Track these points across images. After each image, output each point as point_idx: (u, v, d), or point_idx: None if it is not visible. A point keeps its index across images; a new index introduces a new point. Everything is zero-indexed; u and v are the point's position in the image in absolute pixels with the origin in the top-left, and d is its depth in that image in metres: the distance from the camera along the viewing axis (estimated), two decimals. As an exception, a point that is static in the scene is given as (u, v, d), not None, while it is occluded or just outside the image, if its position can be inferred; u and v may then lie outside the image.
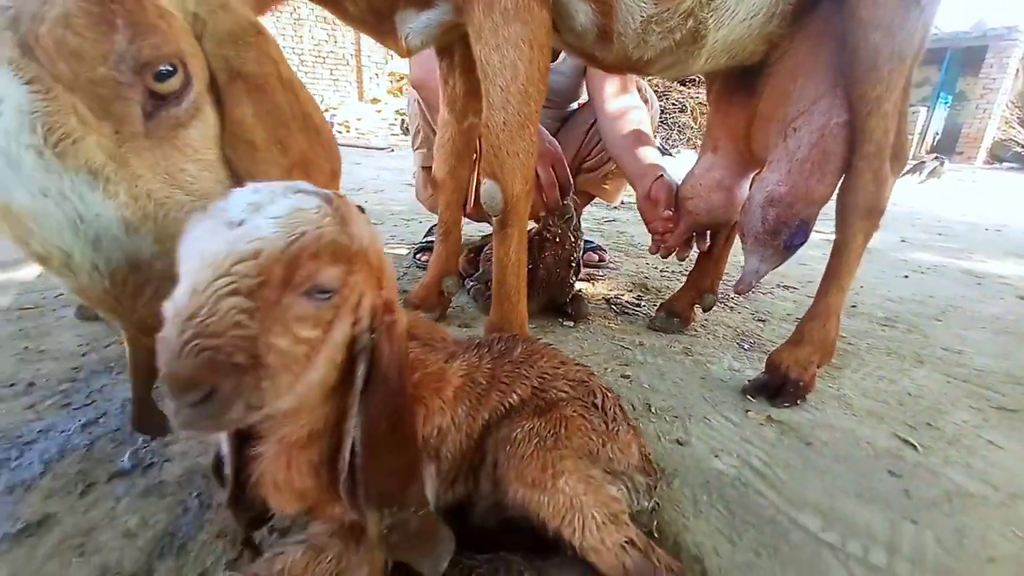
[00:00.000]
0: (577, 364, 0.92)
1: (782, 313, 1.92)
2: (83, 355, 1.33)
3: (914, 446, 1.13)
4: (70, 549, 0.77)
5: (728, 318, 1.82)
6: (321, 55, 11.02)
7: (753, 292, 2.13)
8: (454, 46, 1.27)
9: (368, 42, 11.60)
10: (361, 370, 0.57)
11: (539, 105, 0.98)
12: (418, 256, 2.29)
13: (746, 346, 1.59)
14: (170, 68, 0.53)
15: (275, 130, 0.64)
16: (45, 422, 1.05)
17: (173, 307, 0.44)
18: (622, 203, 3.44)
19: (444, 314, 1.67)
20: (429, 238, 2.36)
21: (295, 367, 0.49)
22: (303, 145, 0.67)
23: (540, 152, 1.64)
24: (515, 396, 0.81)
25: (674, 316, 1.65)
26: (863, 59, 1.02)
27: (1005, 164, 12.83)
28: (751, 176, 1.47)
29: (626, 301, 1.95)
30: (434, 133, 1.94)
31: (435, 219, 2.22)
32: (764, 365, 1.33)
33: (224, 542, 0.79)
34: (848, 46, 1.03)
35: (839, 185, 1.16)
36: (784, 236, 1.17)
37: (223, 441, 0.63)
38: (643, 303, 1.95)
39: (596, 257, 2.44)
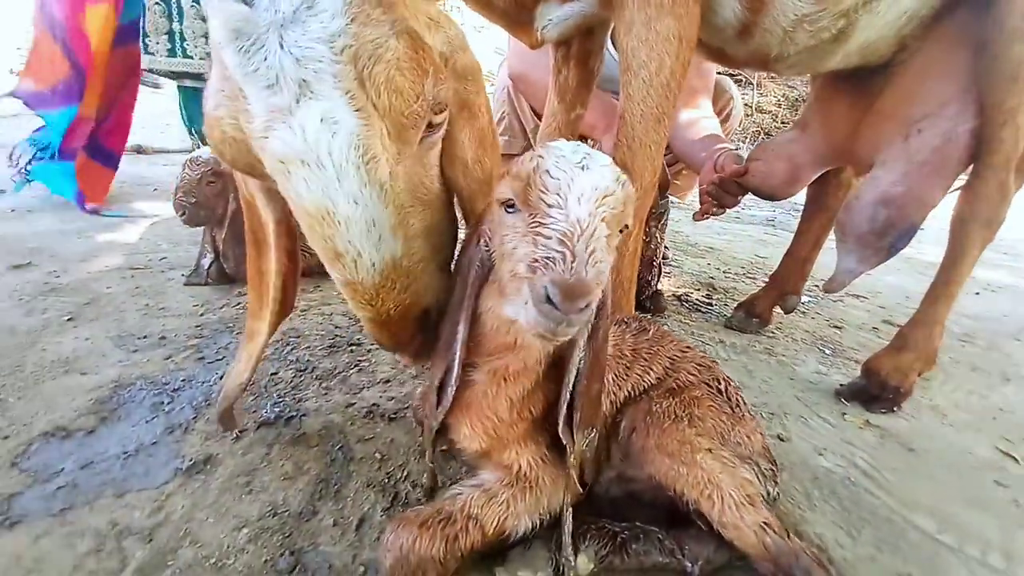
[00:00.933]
0: (699, 351, 0.95)
1: (857, 322, 1.90)
2: (201, 315, 1.41)
3: (1015, 459, 1.13)
4: (238, 486, 0.84)
5: (803, 323, 1.82)
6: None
7: (823, 298, 2.12)
8: (572, 38, 1.30)
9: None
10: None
11: (676, 100, 1.00)
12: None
13: (828, 351, 1.59)
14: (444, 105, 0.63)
15: (478, 150, 0.74)
16: (186, 372, 1.13)
17: (568, 224, 0.53)
18: (676, 203, 3.43)
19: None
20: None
21: (605, 283, 0.60)
22: (494, 162, 0.76)
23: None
24: (652, 373, 0.86)
25: (753, 316, 1.66)
26: (1004, 69, 1.01)
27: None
28: (824, 167, 1.45)
29: (696, 299, 1.96)
30: (520, 123, 1.98)
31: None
32: (858, 370, 1.34)
33: (375, 492, 0.85)
34: (988, 54, 1.03)
35: (959, 194, 1.15)
36: (890, 238, 1.17)
37: (455, 362, 0.68)
38: (714, 302, 1.95)
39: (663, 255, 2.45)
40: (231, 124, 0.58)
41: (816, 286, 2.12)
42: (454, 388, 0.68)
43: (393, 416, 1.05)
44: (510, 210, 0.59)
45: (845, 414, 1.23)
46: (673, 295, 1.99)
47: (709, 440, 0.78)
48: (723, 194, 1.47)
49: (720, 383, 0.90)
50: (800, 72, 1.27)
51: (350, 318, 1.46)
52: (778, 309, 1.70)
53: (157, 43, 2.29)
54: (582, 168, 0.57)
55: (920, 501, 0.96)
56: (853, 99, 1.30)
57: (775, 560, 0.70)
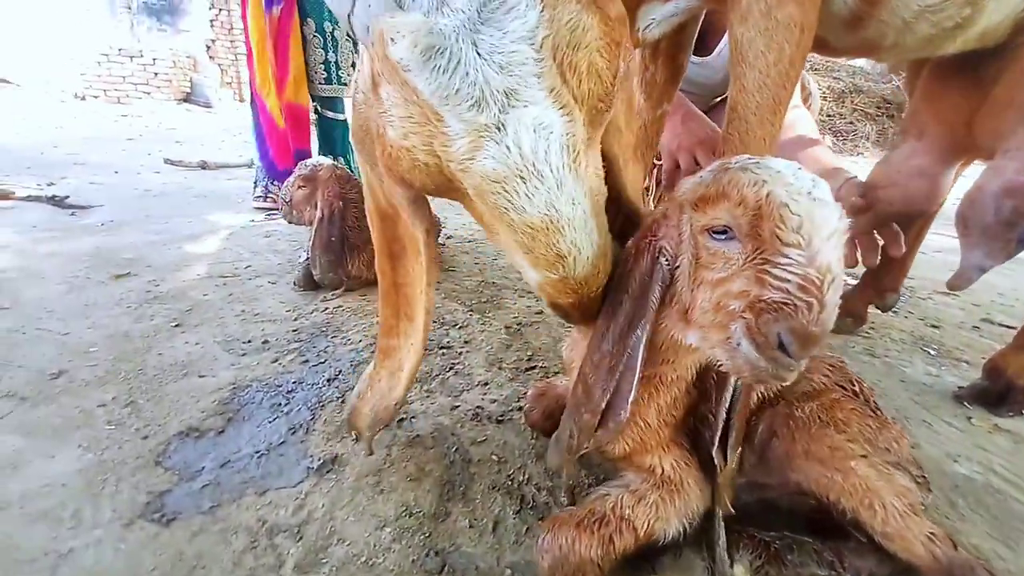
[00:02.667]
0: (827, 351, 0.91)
1: (955, 320, 1.79)
2: (295, 319, 1.45)
3: None
4: (369, 486, 0.85)
5: (897, 322, 1.73)
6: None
7: (911, 297, 2.01)
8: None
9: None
10: None
11: (793, 90, 0.97)
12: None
13: (932, 351, 1.50)
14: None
15: (628, 113, 0.70)
16: (294, 375, 1.16)
17: (815, 270, 0.47)
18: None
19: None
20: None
21: None
22: (634, 126, 0.73)
23: (701, 138, 1.62)
24: None
25: (848, 316, 1.58)
26: None
27: None
28: (956, 166, 1.37)
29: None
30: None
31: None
32: (974, 371, 1.25)
33: (501, 495, 0.85)
34: None
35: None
36: (1019, 229, 1.09)
37: (629, 386, 0.63)
38: (794, 302, 1.88)
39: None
40: (424, 150, 0.54)
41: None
42: (627, 413, 0.63)
43: (500, 418, 1.05)
44: (719, 236, 0.54)
45: (971, 418, 1.15)
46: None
47: (860, 445, 0.74)
48: (865, 234, 1.37)
49: (854, 384, 0.85)
50: (907, 59, 1.21)
51: (435, 321, 1.48)
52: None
53: (314, 72, 2.50)
54: (814, 200, 0.50)
55: (1078, 511, 0.89)
56: (965, 91, 1.23)
57: (948, 573, 0.66)
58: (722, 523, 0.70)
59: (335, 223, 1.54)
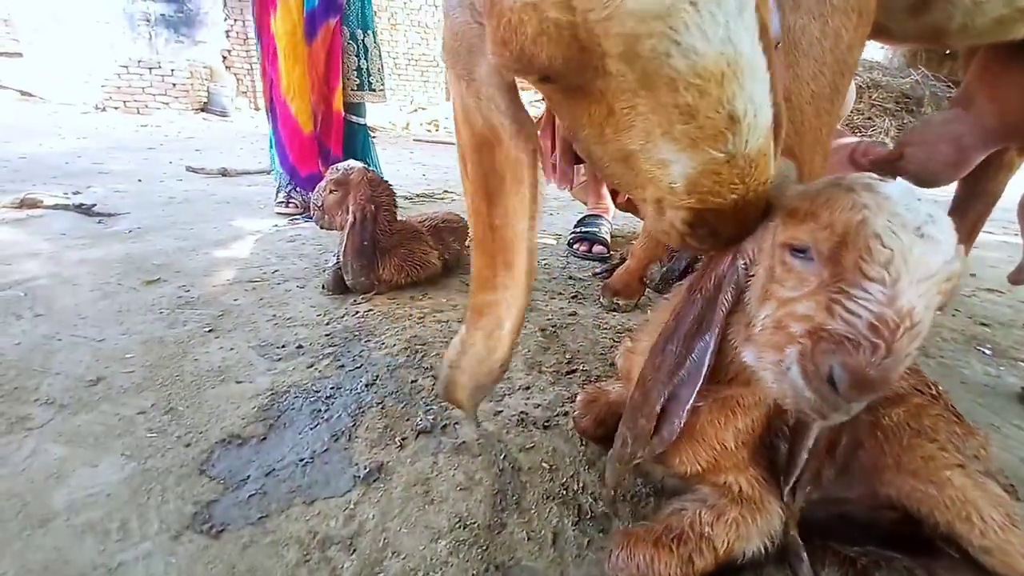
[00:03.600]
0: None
1: (1004, 319, 1.72)
2: (327, 324, 1.43)
3: None
4: (418, 496, 0.82)
5: (945, 320, 1.66)
6: (414, 57, 11.47)
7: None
8: None
9: (456, 43, 11.91)
10: None
11: (851, 78, 0.92)
12: (574, 246, 2.29)
13: (987, 351, 1.44)
14: None
15: None
16: (332, 381, 1.14)
17: (892, 312, 0.44)
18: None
19: (639, 303, 1.65)
20: (581, 228, 2.35)
21: None
22: None
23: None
24: None
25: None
26: None
27: None
28: (993, 147, 1.31)
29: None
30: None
31: (578, 210, 2.20)
32: (1040, 372, 1.19)
33: (557, 504, 0.81)
34: None
35: None
36: None
37: (689, 392, 0.61)
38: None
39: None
40: (556, 4, 0.44)
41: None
42: (683, 420, 0.61)
43: (546, 424, 1.01)
44: (799, 255, 0.51)
45: (1041, 421, 1.09)
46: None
47: (952, 454, 0.70)
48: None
49: (932, 388, 0.80)
50: (975, 43, 1.15)
51: (468, 325, 1.45)
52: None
53: (347, 79, 2.59)
54: (921, 236, 0.46)
55: None
56: None
57: None
58: (801, 543, 0.66)
59: (367, 227, 1.52)
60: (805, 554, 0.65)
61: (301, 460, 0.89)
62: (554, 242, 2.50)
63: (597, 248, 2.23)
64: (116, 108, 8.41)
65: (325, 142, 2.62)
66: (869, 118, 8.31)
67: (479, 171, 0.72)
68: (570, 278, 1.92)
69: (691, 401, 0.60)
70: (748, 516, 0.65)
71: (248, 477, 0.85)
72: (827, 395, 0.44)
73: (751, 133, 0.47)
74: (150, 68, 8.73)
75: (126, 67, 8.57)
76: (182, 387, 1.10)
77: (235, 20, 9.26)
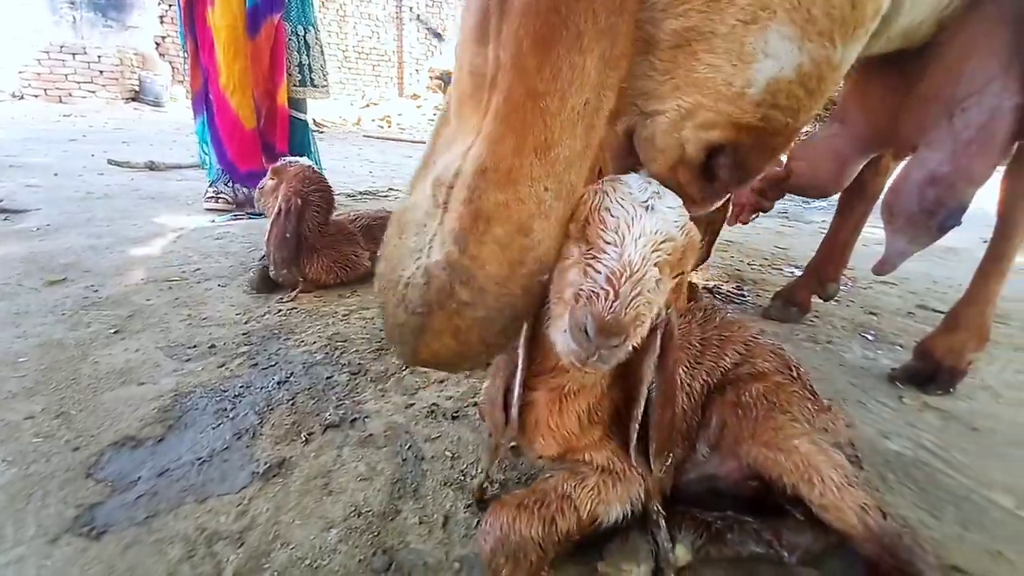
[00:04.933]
0: (768, 338, 0.95)
1: (891, 307, 1.90)
2: (245, 323, 1.41)
3: (1079, 436, 1.12)
4: (317, 488, 0.83)
5: (839, 310, 1.82)
6: (364, 51, 11.21)
7: (853, 286, 2.12)
8: None
9: (409, 39, 11.75)
10: (659, 339, 0.64)
11: None
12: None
13: (870, 336, 1.59)
14: None
15: None
16: (242, 379, 1.13)
17: (619, 264, 0.53)
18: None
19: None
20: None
21: (645, 329, 0.57)
22: None
23: None
24: (726, 359, 0.85)
25: (793, 305, 1.65)
26: (1052, 44, 1.01)
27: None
28: (869, 155, 1.45)
29: (728, 291, 1.96)
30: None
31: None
32: (907, 353, 1.33)
33: (453, 490, 0.85)
34: (1031, 31, 1.03)
35: (1005, 172, 1.15)
36: (940, 217, 1.16)
37: (516, 383, 0.68)
38: (746, 292, 1.95)
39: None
40: None
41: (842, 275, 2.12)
42: (518, 406, 0.68)
43: (456, 415, 1.05)
44: (569, 240, 0.61)
45: (902, 397, 1.22)
46: (705, 288, 1.99)
47: (801, 425, 0.78)
48: (763, 199, 1.47)
49: (793, 369, 0.89)
50: None
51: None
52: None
53: (290, 75, 2.54)
54: (646, 208, 0.57)
55: (995, 479, 0.96)
56: (891, 84, 1.30)
57: (878, 540, 0.69)
58: (660, 508, 0.72)
59: (291, 219, 1.51)
60: (663, 520, 0.71)
61: (198, 459, 0.88)
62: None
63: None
64: (36, 96, 7.76)
65: (269, 138, 2.56)
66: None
67: (539, 2, 0.51)
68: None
69: (518, 388, 0.67)
70: (609, 482, 0.70)
71: (139, 479, 0.83)
72: (584, 343, 0.52)
73: (860, 44, 0.47)
74: (74, 54, 8.11)
75: (47, 52, 7.92)
76: (77, 390, 1.06)
77: (170, 5, 8.72)
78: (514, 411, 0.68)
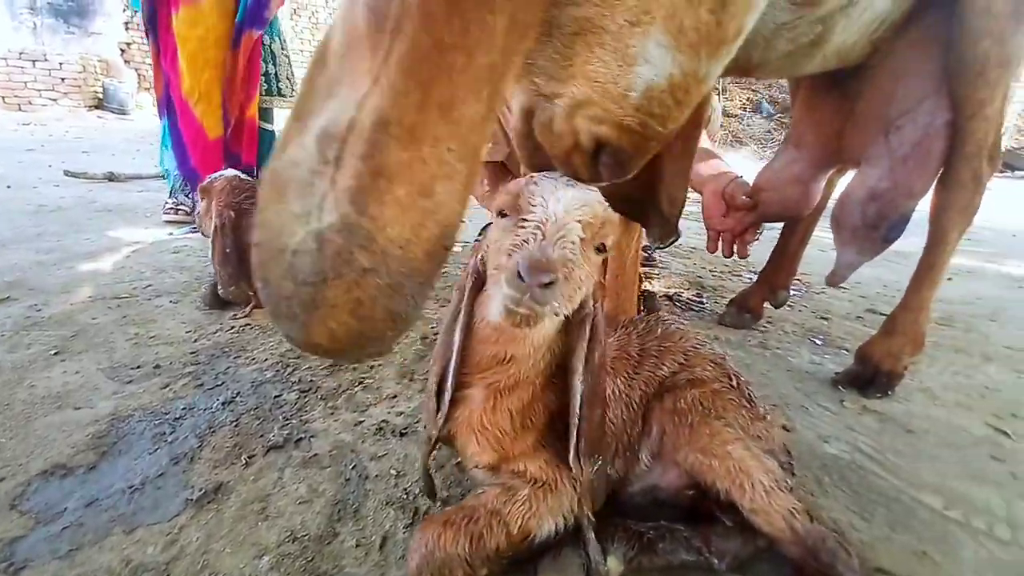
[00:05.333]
0: (710, 347, 0.97)
1: (842, 312, 1.97)
2: (195, 341, 1.38)
3: (1007, 434, 1.17)
4: (253, 513, 0.82)
5: (792, 316, 1.87)
6: (338, 58, 11.12)
7: (807, 291, 2.18)
8: None
9: (384, 46, 11.68)
10: (587, 331, 0.67)
11: None
12: (477, 253, 2.34)
13: (819, 341, 1.64)
14: None
15: None
16: (185, 401, 1.10)
17: (544, 215, 0.61)
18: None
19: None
20: (482, 235, 2.41)
21: (575, 293, 0.63)
22: None
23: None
24: (665, 369, 0.87)
25: (746, 312, 1.70)
26: (971, 64, 1.07)
27: (1018, 172, 12.85)
28: (829, 173, 1.52)
29: (688, 298, 2.00)
30: (503, 130, 2.00)
31: (484, 217, 2.27)
32: (851, 358, 1.38)
33: (395, 509, 0.84)
34: (956, 52, 1.09)
35: (936, 184, 1.21)
36: (883, 229, 1.22)
37: (450, 371, 0.70)
38: (705, 300, 1.99)
39: (644, 255, 2.49)
40: None
41: (798, 280, 2.18)
42: (450, 393, 0.70)
43: (404, 431, 1.04)
44: (502, 217, 0.66)
45: (843, 401, 1.26)
46: (665, 295, 2.02)
47: (735, 431, 0.80)
48: (743, 231, 1.51)
49: (733, 379, 0.91)
50: (780, 76, 1.32)
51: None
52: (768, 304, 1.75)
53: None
54: (565, 185, 0.64)
55: (925, 480, 0.99)
56: (835, 106, 1.36)
57: (803, 543, 0.71)
58: (592, 520, 0.73)
59: (227, 234, 1.48)
60: (592, 534, 0.72)
61: (130, 487, 0.85)
62: (459, 249, 2.54)
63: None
64: (-9, 104, 7.49)
65: (234, 148, 2.53)
66: (769, 131, 9.23)
67: None
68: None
69: (451, 377, 0.70)
70: (542, 496, 0.71)
71: (65, 509, 0.80)
72: (519, 285, 0.55)
73: (723, 62, 0.51)
74: (34, 61, 7.85)
75: (5, 59, 7.65)
76: (10, 417, 1.02)
77: (136, 11, 8.53)
78: (446, 398, 0.69)
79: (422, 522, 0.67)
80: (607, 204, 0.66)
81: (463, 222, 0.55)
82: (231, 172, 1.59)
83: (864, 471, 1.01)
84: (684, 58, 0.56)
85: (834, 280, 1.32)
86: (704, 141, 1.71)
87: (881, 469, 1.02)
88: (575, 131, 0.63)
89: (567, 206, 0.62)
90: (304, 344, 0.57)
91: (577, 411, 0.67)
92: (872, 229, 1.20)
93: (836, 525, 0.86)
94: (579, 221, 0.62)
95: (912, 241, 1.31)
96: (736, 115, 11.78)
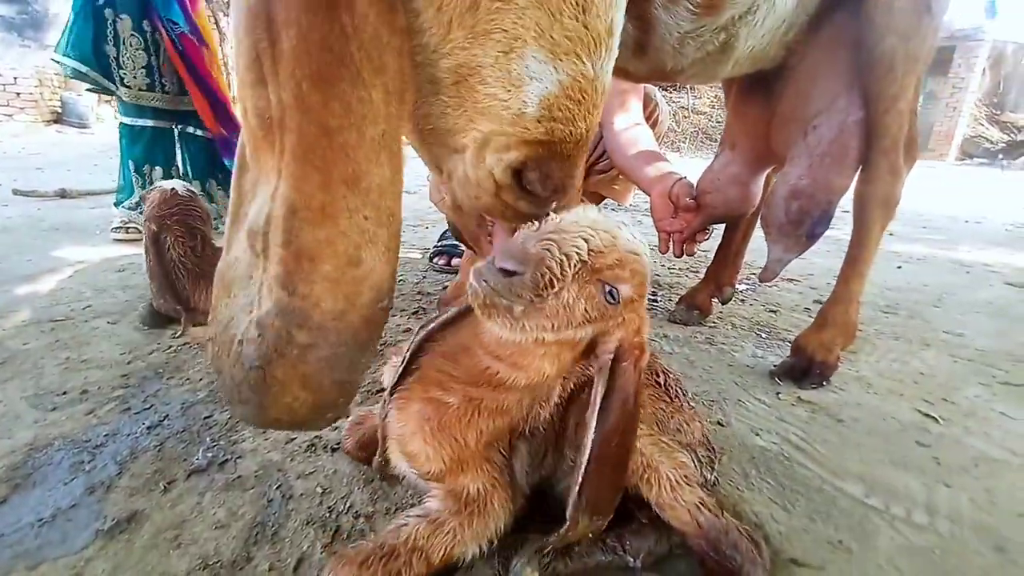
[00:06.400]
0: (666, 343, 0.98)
1: (791, 304, 2.01)
2: (128, 363, 1.34)
3: (935, 419, 1.21)
4: (166, 542, 0.80)
5: (742, 310, 1.90)
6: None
7: (760, 285, 2.22)
8: None
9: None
10: (600, 387, 0.64)
11: None
12: (434, 260, 2.33)
13: (764, 335, 1.67)
14: None
15: None
16: (109, 426, 1.07)
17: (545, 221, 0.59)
18: (619, 206, 3.52)
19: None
20: (443, 242, 2.40)
21: (554, 321, 0.59)
22: None
23: None
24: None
25: (694, 309, 1.72)
26: (880, 61, 1.10)
27: (976, 160, 13.32)
28: (766, 172, 1.55)
29: (643, 297, 2.02)
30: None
31: (444, 224, 2.26)
32: (789, 350, 1.40)
33: (315, 528, 0.83)
34: (865, 50, 1.12)
35: (856, 178, 1.24)
36: (806, 226, 1.25)
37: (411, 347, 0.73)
38: (659, 298, 2.02)
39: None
40: None
41: (753, 274, 2.23)
42: (399, 373, 0.72)
43: (336, 446, 1.03)
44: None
45: (779, 393, 1.29)
46: (620, 295, 2.04)
47: (648, 426, 0.81)
48: (693, 233, 1.52)
49: (659, 375, 0.92)
50: (699, 81, 1.34)
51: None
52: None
53: (135, 76, 2.37)
54: (598, 212, 0.62)
55: (849, 468, 1.02)
56: (761, 107, 1.39)
57: (707, 536, 0.72)
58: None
59: (149, 248, 1.45)
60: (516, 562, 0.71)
61: (40, 520, 0.83)
62: (419, 256, 2.53)
63: (456, 262, 2.28)
64: (-60, 121, 7.22)
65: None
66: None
67: (308, 43, 0.50)
68: (419, 293, 1.95)
69: (407, 355, 0.73)
70: (468, 523, 0.69)
71: (-36, 549, 0.77)
72: (487, 268, 0.56)
73: (610, 56, 0.53)
74: (-14, 75, 7.61)
75: (-46, 74, 7.40)
76: (-83, 453, 0.98)
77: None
78: (395, 377, 0.73)
79: (336, 559, 0.66)
80: (640, 248, 0.61)
81: (396, 281, 0.57)
82: (170, 184, 1.55)
83: (790, 462, 1.03)
84: (566, 64, 0.58)
85: (766, 276, 1.35)
86: (652, 142, 1.73)
87: (807, 459, 1.04)
88: (489, 170, 0.64)
89: (579, 218, 0.58)
90: (262, 422, 0.63)
91: (583, 470, 0.63)
92: (796, 226, 1.23)
93: (758, 518, 0.88)
94: (584, 239, 0.56)
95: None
96: (705, 112, 12.00)
